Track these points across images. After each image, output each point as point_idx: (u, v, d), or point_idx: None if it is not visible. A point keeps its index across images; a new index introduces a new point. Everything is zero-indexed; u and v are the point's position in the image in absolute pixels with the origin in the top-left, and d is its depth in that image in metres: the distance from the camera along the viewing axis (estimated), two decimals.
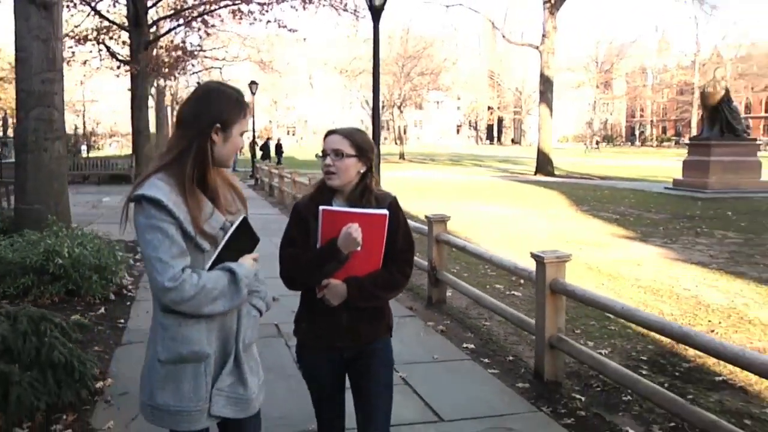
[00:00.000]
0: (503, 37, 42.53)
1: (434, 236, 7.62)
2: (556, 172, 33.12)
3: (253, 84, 28.63)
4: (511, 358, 5.82)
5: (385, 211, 2.68)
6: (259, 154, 40.01)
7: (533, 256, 5.15)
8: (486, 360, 5.70)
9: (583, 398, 4.86)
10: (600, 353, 5.31)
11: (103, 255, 7.12)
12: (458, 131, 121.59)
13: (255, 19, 23.07)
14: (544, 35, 34.08)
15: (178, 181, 2.17)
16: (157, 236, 2.11)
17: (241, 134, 2.30)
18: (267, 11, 22.68)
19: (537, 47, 35.09)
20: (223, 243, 2.24)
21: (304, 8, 22.80)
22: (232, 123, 2.25)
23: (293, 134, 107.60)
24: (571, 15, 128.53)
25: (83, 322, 5.23)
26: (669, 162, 42.80)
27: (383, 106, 66.24)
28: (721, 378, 5.33)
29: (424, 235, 7.73)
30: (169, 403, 2.25)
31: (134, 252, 9.66)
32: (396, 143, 60.48)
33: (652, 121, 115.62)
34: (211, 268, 2.22)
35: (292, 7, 22.72)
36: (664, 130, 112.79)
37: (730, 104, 23.58)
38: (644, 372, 5.30)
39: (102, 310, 6.84)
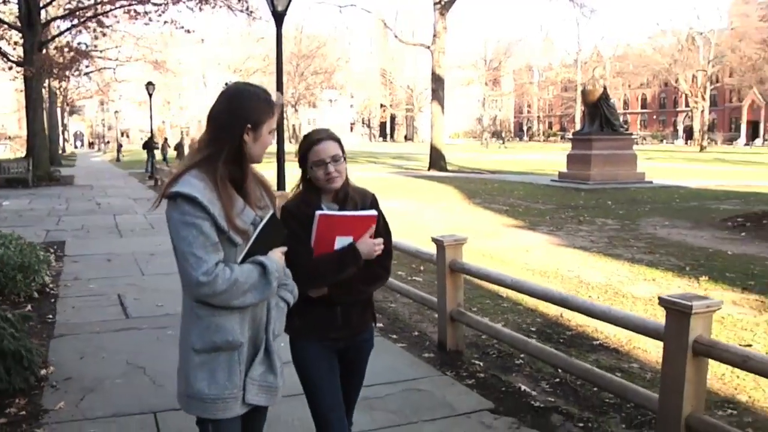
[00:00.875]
0: (395, 37, 43.45)
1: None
2: (448, 168, 34.23)
3: (150, 85, 28.30)
4: (416, 333, 6.47)
5: (374, 212, 2.79)
6: (173, 154, 38.72)
7: (434, 240, 5.88)
8: (394, 336, 6.32)
9: (481, 363, 5.55)
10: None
11: (26, 255, 7.27)
12: (352, 129, 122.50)
13: (150, 19, 22.85)
14: (435, 35, 35.10)
15: (211, 178, 2.25)
16: (192, 232, 2.19)
17: (270, 132, 2.37)
18: (163, 12, 22.50)
19: (428, 47, 36.10)
20: (253, 237, 2.33)
21: (200, 9, 22.77)
22: (262, 122, 2.33)
23: (187, 134, 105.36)
24: (461, 15, 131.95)
25: (27, 314, 5.47)
26: (555, 155, 45.01)
27: None
28: (598, 342, 6.15)
29: None
30: (204, 391, 2.32)
31: (50, 252, 9.75)
32: (290, 142, 60.63)
33: (538, 116, 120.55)
34: (242, 262, 2.30)
35: (188, 8, 22.63)
36: (550, 125, 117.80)
37: (608, 101, 25.32)
38: (533, 340, 6.05)
39: (29, 307, 7.01)
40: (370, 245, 2.73)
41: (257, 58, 50.77)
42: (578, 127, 48.08)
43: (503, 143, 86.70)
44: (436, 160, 34.47)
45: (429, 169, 34.13)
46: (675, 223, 14.36)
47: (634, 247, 11.26)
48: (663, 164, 39.68)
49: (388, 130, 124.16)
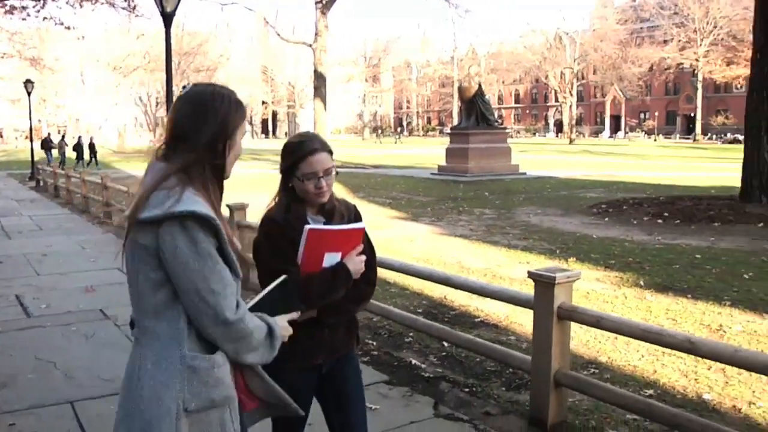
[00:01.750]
0: (277, 35, 43.37)
1: None
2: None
3: (28, 83, 27.00)
4: None
5: (362, 225, 2.64)
6: (73, 154, 36.47)
7: None
8: None
9: (374, 343, 5.99)
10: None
11: None
12: None
13: (29, 14, 21.87)
14: (316, 34, 35.39)
15: (205, 197, 1.90)
16: (208, 263, 1.84)
17: (242, 138, 2.04)
18: (42, 8, 21.58)
19: (310, 45, 36.36)
20: (264, 293, 2.13)
21: (80, 5, 22.00)
22: (236, 128, 1.99)
23: (65, 134, 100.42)
24: (341, 13, 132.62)
25: None
26: (435, 150, 46.34)
27: (157, 103, 64.42)
28: (479, 319, 6.73)
29: None
30: None
31: None
32: None
33: (417, 112, 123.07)
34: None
35: (68, 3, 21.82)
36: (429, 120, 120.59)
37: (483, 97, 26.53)
38: (420, 317, 6.56)
39: None
40: (357, 262, 2.56)
41: (138, 55, 49.33)
42: (456, 122, 49.65)
43: (398, 138, 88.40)
44: None
45: None
46: (546, 211, 15.40)
47: (510, 234, 12.07)
48: (536, 156, 41.75)
49: (270, 127, 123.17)
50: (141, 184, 1.94)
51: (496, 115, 28.04)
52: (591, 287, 7.93)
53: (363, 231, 2.62)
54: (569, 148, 57.81)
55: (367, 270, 2.63)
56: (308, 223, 2.51)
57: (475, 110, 25.74)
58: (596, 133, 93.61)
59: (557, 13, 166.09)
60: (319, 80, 35.43)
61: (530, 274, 4.10)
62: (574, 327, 5.77)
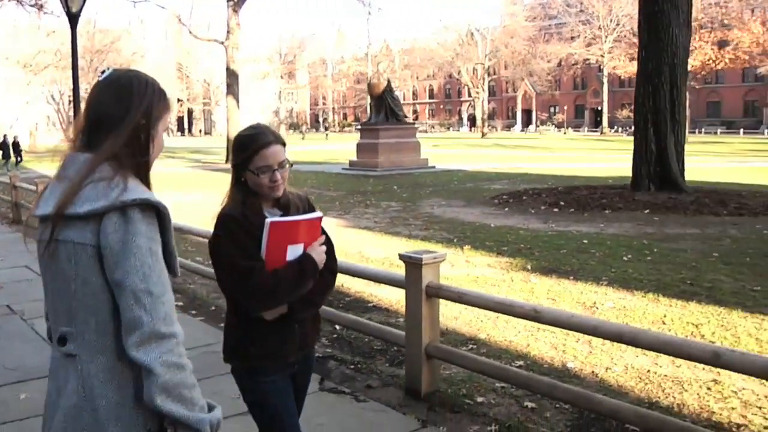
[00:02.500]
0: (189, 32, 42.74)
1: None
2: None
3: None
4: (213, 308, 7.06)
5: (320, 214, 2.59)
6: None
7: None
8: (194, 312, 6.89)
9: None
10: None
11: None
12: None
13: None
14: (228, 31, 35.13)
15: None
16: (148, 261, 1.64)
17: (165, 131, 1.88)
18: None
19: (222, 43, 36.07)
20: None
21: None
22: (159, 119, 1.83)
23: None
24: (255, 9, 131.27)
25: None
26: (349, 145, 46.69)
27: (70, 102, 62.47)
28: (372, 304, 7.08)
29: None
30: None
31: None
32: None
33: (333, 108, 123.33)
34: None
35: None
36: (345, 116, 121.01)
37: (393, 93, 27.01)
38: None
39: None
40: (320, 252, 2.52)
41: (49, 52, 47.72)
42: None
43: (326, 133, 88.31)
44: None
45: (227, 162, 34.14)
46: (451, 202, 15.94)
47: (412, 225, 12.49)
48: (448, 150, 42.68)
49: (186, 125, 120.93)
50: (60, 179, 1.71)
51: (404, 111, 28.55)
52: (482, 272, 8.40)
53: (320, 219, 2.57)
54: (481, 141, 59.21)
55: (327, 259, 2.59)
56: (266, 217, 2.44)
57: (385, 106, 26.18)
58: (509, 127, 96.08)
59: (469, 10, 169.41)
60: (232, 78, 35.21)
61: (401, 256, 4.44)
62: (461, 308, 6.22)
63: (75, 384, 1.66)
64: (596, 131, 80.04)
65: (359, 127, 29.51)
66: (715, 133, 71.71)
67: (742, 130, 70.82)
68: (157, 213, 1.68)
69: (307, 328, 2.63)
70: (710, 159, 32.81)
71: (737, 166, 27.53)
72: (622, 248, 9.84)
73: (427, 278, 4.32)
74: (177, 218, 13.92)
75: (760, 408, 4.41)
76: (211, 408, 1.72)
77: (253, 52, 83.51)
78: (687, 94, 16.14)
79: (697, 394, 4.67)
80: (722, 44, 54.69)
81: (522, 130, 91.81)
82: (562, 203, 14.54)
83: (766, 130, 69.90)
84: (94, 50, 51.54)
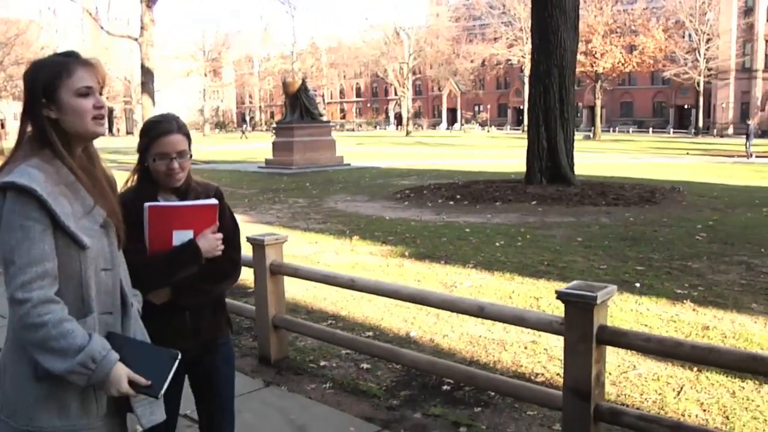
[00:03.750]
0: (102, 28, 42.18)
1: None
2: None
3: None
4: None
5: (215, 201, 2.55)
6: None
7: None
8: None
9: None
10: None
11: None
12: None
13: None
14: (142, 28, 34.88)
15: (54, 169, 1.91)
16: (17, 235, 1.83)
17: (80, 94, 1.96)
18: None
19: (136, 39, 35.81)
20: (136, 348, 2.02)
21: None
22: (56, 88, 1.93)
23: None
24: (177, 4, 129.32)
25: None
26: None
27: None
28: (251, 290, 7.61)
29: None
30: (55, 423, 1.92)
31: None
32: None
33: (260, 106, 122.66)
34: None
35: None
36: (272, 115, 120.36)
37: (308, 92, 27.51)
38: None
39: None
40: (211, 241, 2.48)
41: None
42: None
43: (244, 134, 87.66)
44: None
45: None
46: (356, 198, 16.60)
47: (312, 219, 13.09)
48: (371, 148, 43.45)
49: (106, 124, 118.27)
50: None
51: (320, 109, 29.12)
52: (363, 259, 9.06)
53: (215, 208, 2.53)
54: (405, 140, 60.24)
55: (228, 248, 2.57)
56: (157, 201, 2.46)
57: (300, 105, 26.65)
58: (434, 126, 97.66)
59: (395, 10, 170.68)
60: (147, 76, 34.91)
61: (248, 239, 5.03)
62: (331, 290, 6.81)
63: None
64: (518, 129, 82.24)
65: (274, 126, 29.88)
66: (628, 131, 75.03)
67: (651, 129, 74.23)
68: (27, 194, 1.83)
69: (205, 318, 2.62)
70: (617, 155, 34.64)
71: (637, 162, 29.19)
72: (499, 236, 10.65)
73: (270, 257, 4.92)
74: None
75: (560, 359, 5.18)
76: (91, 339, 1.87)
77: (176, 49, 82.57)
78: (575, 93, 17.19)
79: (514, 352, 5.42)
80: (631, 49, 57.72)
81: (447, 129, 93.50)
82: (458, 196, 15.36)
83: (671, 129, 73.85)
84: None
